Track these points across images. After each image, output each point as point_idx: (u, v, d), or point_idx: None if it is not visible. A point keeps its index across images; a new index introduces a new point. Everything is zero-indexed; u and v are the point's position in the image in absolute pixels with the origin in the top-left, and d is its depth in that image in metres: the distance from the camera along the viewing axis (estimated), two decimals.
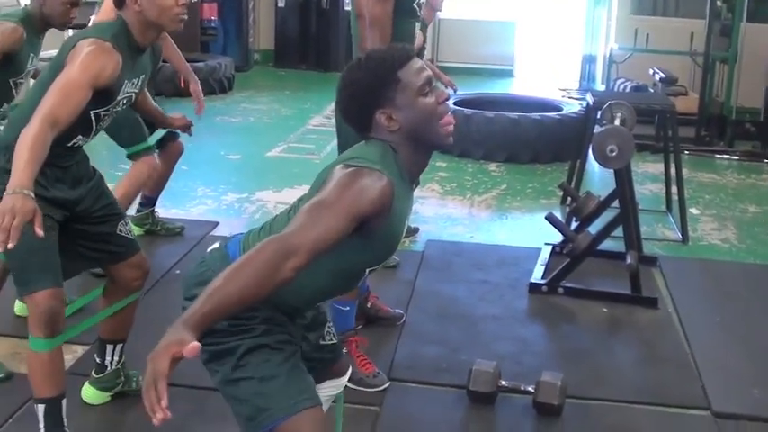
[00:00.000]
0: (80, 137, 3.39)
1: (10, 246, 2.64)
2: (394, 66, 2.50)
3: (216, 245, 2.69)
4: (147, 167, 5.36)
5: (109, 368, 3.90)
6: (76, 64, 3.09)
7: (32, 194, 2.74)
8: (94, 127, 3.38)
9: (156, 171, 5.48)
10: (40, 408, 3.42)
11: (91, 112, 3.28)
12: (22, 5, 4.11)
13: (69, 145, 3.39)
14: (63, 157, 3.41)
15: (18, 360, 4.28)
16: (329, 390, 3.01)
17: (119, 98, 3.32)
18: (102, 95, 3.23)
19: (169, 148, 5.83)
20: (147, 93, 4.01)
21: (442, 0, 6.33)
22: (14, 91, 4.15)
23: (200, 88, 5.53)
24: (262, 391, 2.49)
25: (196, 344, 2.01)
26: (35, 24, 4.02)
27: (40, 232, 2.71)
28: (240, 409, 2.55)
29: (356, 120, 2.59)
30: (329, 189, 2.34)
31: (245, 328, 2.51)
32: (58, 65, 3.18)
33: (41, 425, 3.42)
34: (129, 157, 5.37)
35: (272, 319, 2.52)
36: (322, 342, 2.86)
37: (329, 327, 2.91)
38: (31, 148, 2.84)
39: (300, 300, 2.58)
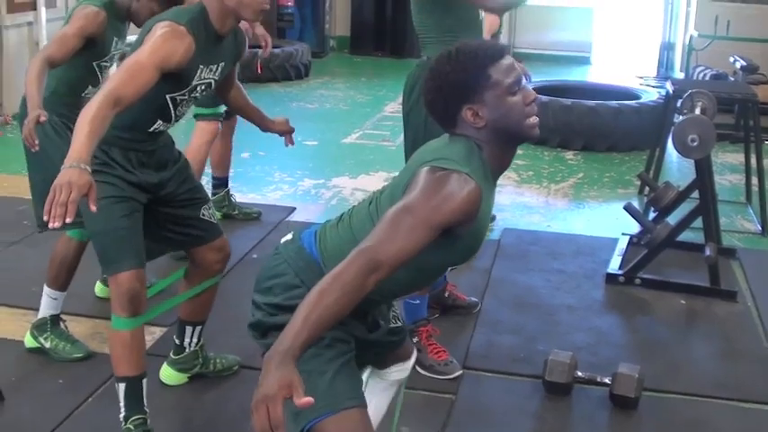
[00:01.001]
0: (160, 122, 3.43)
1: (68, 220, 2.61)
2: (486, 62, 2.48)
3: (289, 236, 2.71)
4: (207, 134, 5.55)
5: (187, 350, 3.97)
6: (147, 46, 3.12)
7: (89, 168, 2.72)
8: (173, 112, 3.41)
9: (214, 137, 5.68)
10: (121, 386, 3.47)
11: (167, 96, 3.32)
12: None
13: (150, 130, 3.44)
14: (145, 142, 3.46)
15: (98, 340, 4.35)
16: (396, 374, 3.04)
17: (194, 83, 3.35)
18: (176, 79, 3.26)
19: (229, 120, 5.90)
20: (242, 88, 3.99)
21: None
22: (99, 74, 4.20)
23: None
24: (307, 385, 2.48)
25: (310, 399, 2.03)
26: (118, 12, 4.07)
27: (93, 207, 2.69)
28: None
29: (441, 113, 2.57)
30: (415, 196, 2.33)
31: None
32: (138, 46, 3.22)
33: (122, 403, 3.48)
34: (196, 116, 5.54)
35: None
36: (392, 325, 2.87)
37: (394, 310, 2.90)
38: (91, 122, 2.84)
39: (381, 295, 2.56)
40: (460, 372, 4.17)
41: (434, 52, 4.00)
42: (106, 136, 2.98)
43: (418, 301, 4.18)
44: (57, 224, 2.58)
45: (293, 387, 2.02)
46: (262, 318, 2.63)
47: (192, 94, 3.40)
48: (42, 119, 3.62)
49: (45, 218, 2.60)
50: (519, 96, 2.49)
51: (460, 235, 2.42)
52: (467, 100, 2.49)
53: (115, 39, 4.15)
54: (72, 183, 2.62)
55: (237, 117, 5.90)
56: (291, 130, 4.09)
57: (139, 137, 3.42)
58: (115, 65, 4.22)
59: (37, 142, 3.66)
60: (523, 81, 2.53)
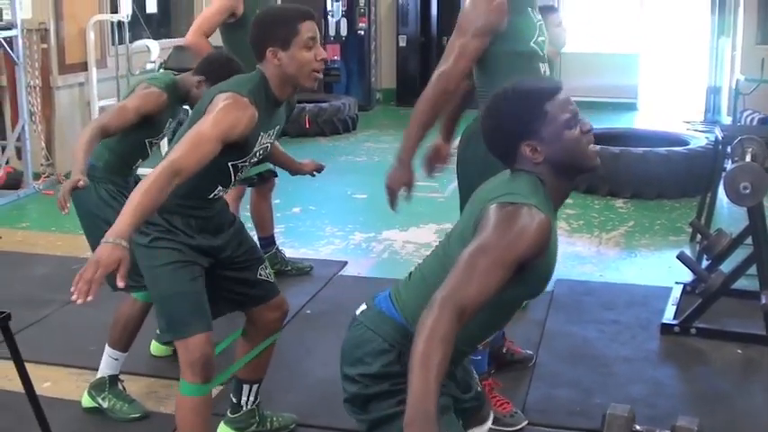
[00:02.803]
0: (220, 188, 3.49)
1: (89, 298, 2.63)
2: (542, 98, 2.51)
3: (363, 306, 2.73)
4: (234, 196, 5.56)
5: (244, 408, 3.97)
6: (210, 117, 3.15)
7: (125, 243, 2.76)
8: (233, 178, 3.46)
9: (239, 197, 5.71)
10: None
11: (229, 164, 3.36)
12: (162, 71, 4.28)
13: (210, 197, 3.49)
14: (205, 209, 3.52)
15: (154, 399, 4.38)
16: None
17: (255, 150, 3.39)
18: (239, 148, 3.29)
19: (265, 184, 5.93)
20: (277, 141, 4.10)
21: (563, 36, 6.01)
22: (149, 150, 4.32)
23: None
24: None
25: None
26: (179, 94, 4.18)
27: (121, 284, 2.72)
28: None
29: (500, 150, 2.61)
30: (488, 235, 2.35)
31: (404, 386, 2.35)
32: (197, 115, 3.26)
33: None
34: None
35: None
36: (478, 389, 2.89)
37: (474, 375, 2.92)
38: (144, 194, 2.89)
39: (466, 341, 2.59)
40: (525, 422, 4.16)
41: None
42: (167, 204, 3.07)
43: (480, 357, 4.17)
44: (80, 300, 2.62)
45: None
46: (359, 390, 2.62)
47: (252, 160, 3.45)
48: (81, 184, 3.70)
49: (72, 289, 2.64)
50: (576, 130, 2.52)
51: (533, 268, 2.44)
52: (524, 137, 2.52)
53: (170, 120, 4.26)
54: (100, 261, 2.68)
55: (275, 179, 5.98)
56: (320, 168, 4.67)
57: (199, 204, 3.47)
58: (165, 140, 4.32)
59: (69, 205, 3.75)
60: (579, 114, 2.55)
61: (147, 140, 4.25)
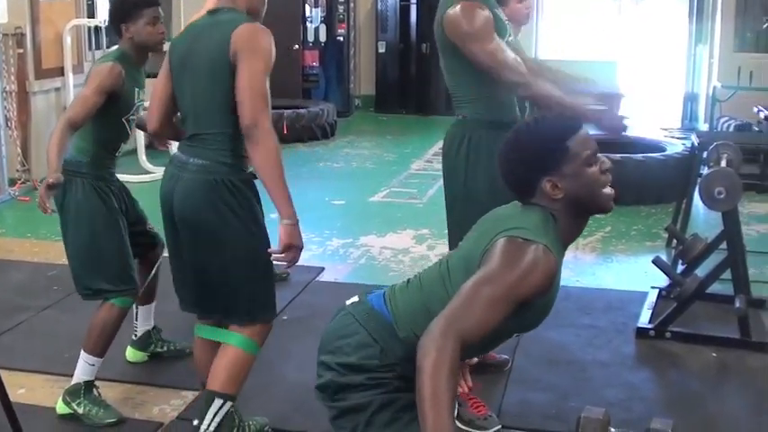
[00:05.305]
0: None
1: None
2: (565, 135, 2.53)
3: (355, 298, 2.73)
4: None
5: None
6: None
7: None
8: None
9: None
10: (227, 405, 3.66)
11: None
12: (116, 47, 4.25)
13: None
14: None
15: (130, 405, 4.37)
16: None
17: None
18: None
19: None
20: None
21: (524, 12, 5.82)
22: (129, 129, 4.25)
23: None
24: None
25: None
26: (132, 58, 4.12)
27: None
28: None
29: (518, 184, 2.61)
30: (495, 269, 2.37)
31: (380, 381, 2.54)
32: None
33: (214, 419, 3.64)
34: None
35: (407, 378, 2.49)
36: None
37: None
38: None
39: None
40: (499, 426, 4.17)
41: (468, 111, 4.04)
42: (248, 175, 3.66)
43: None
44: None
45: None
46: (332, 378, 2.63)
47: None
48: (51, 181, 3.69)
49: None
50: (596, 167, 2.54)
51: (532, 305, 2.46)
52: (546, 172, 2.53)
53: (136, 89, 4.20)
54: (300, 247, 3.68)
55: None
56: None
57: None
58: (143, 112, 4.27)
59: (48, 205, 3.76)
60: (598, 152, 2.57)
61: (123, 119, 4.20)
